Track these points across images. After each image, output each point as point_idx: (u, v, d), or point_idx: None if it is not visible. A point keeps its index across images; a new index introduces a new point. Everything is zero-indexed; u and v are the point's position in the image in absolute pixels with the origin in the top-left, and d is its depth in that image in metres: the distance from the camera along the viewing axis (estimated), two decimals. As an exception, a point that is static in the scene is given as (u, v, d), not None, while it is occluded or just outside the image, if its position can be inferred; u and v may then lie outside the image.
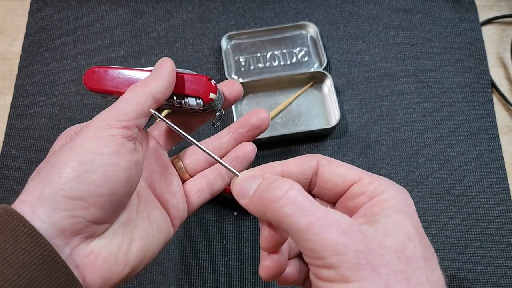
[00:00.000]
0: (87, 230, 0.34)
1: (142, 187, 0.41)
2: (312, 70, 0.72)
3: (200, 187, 0.45)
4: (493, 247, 0.63)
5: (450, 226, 0.64)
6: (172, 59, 0.72)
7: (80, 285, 0.33)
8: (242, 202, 0.35)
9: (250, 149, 0.44)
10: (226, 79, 0.70)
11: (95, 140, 0.35)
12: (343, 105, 0.71)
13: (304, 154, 0.67)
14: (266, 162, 0.39)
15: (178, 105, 0.43)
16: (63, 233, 0.33)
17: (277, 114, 0.70)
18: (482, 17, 0.76)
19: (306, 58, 0.73)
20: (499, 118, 0.70)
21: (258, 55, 0.73)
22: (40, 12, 0.76)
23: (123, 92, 0.39)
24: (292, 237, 0.31)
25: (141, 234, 0.39)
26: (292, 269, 0.39)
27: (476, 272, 0.62)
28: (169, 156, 0.46)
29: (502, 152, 0.68)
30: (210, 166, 0.46)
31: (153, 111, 0.39)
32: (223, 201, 0.65)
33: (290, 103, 0.71)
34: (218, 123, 0.45)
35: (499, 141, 0.69)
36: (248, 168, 0.42)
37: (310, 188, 0.39)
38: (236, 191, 0.36)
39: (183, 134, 0.41)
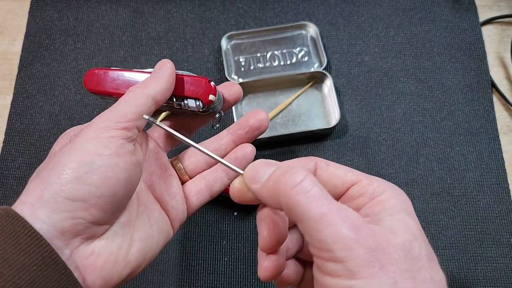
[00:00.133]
0: (87, 231, 0.34)
1: (141, 189, 0.42)
2: (312, 70, 0.72)
3: (200, 189, 0.45)
4: (493, 247, 0.63)
5: (450, 226, 0.64)
6: (172, 59, 0.73)
7: (80, 286, 0.33)
8: (254, 186, 0.34)
9: (249, 150, 0.45)
10: (226, 79, 0.70)
11: (95, 141, 0.35)
12: (343, 105, 0.71)
13: (304, 154, 0.68)
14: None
15: (178, 107, 0.43)
16: (63, 234, 0.33)
17: (277, 114, 0.70)
18: (482, 17, 0.76)
19: (306, 58, 0.73)
20: (499, 118, 0.70)
21: (258, 55, 0.73)
22: (40, 12, 0.76)
23: (123, 94, 0.39)
24: (302, 226, 0.31)
25: (141, 235, 0.39)
26: (290, 270, 0.39)
27: (476, 272, 0.62)
28: (168, 158, 0.46)
29: (502, 152, 0.68)
30: (209, 168, 0.46)
31: (146, 117, 0.39)
32: (223, 201, 0.65)
33: (290, 103, 0.71)
34: (217, 125, 0.46)
35: (499, 141, 0.69)
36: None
37: None
38: (248, 176, 0.35)
39: (181, 138, 0.40)
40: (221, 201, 0.65)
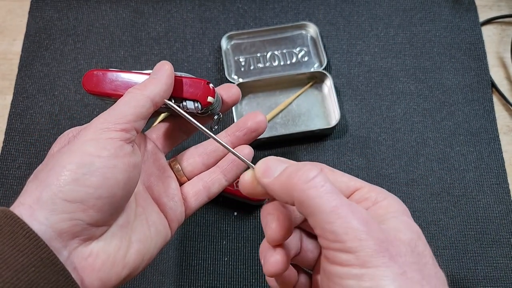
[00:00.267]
0: (86, 232, 0.34)
1: (140, 190, 0.42)
2: (312, 70, 0.72)
3: (197, 190, 0.45)
4: (493, 247, 0.63)
5: (450, 226, 0.64)
6: (172, 59, 0.73)
7: (78, 287, 0.33)
8: (265, 180, 0.35)
9: (247, 152, 0.45)
10: (226, 79, 0.70)
11: (94, 142, 0.35)
12: (343, 105, 0.71)
13: (304, 154, 0.68)
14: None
15: None
16: (62, 235, 0.33)
17: (277, 114, 0.70)
18: (482, 17, 0.76)
19: (306, 58, 0.73)
20: (499, 118, 0.70)
21: (258, 55, 0.73)
22: (40, 12, 0.76)
23: (122, 95, 0.39)
24: (313, 219, 0.31)
25: (139, 237, 0.39)
26: (291, 271, 0.40)
27: (476, 272, 0.62)
28: (166, 159, 0.46)
29: (502, 152, 0.68)
30: (207, 169, 0.46)
31: (167, 101, 0.40)
32: (223, 201, 0.65)
33: (290, 103, 0.71)
34: (216, 127, 0.46)
35: (499, 141, 0.69)
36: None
37: None
38: (260, 170, 0.36)
39: (198, 125, 0.41)
40: (221, 201, 0.65)
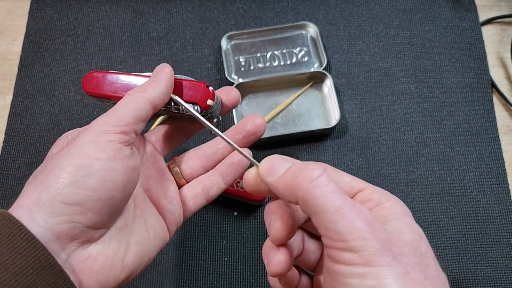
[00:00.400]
0: (84, 235, 0.34)
1: (138, 193, 0.42)
2: (312, 70, 0.72)
3: (196, 193, 0.45)
4: (493, 247, 0.63)
5: (450, 226, 0.64)
6: (172, 59, 0.73)
7: (76, 289, 0.33)
8: (269, 179, 0.36)
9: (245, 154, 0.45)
10: (226, 79, 0.70)
11: (93, 145, 0.35)
12: (343, 105, 0.71)
13: (304, 154, 0.68)
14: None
15: (176, 111, 0.43)
16: (60, 238, 0.33)
17: (277, 114, 0.70)
18: (482, 17, 0.76)
19: (306, 58, 0.73)
20: (499, 118, 0.70)
21: (258, 55, 0.73)
22: (40, 13, 0.76)
23: (121, 97, 0.39)
24: (317, 219, 0.32)
25: (137, 240, 0.39)
26: (294, 272, 0.40)
27: (476, 272, 0.62)
28: (165, 161, 0.46)
29: (502, 152, 0.68)
30: (206, 172, 0.46)
31: (174, 97, 0.41)
32: (223, 201, 0.65)
33: (290, 103, 0.71)
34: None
35: (499, 141, 0.69)
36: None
37: None
38: (264, 168, 0.36)
39: (207, 124, 0.41)
40: (221, 201, 0.65)
